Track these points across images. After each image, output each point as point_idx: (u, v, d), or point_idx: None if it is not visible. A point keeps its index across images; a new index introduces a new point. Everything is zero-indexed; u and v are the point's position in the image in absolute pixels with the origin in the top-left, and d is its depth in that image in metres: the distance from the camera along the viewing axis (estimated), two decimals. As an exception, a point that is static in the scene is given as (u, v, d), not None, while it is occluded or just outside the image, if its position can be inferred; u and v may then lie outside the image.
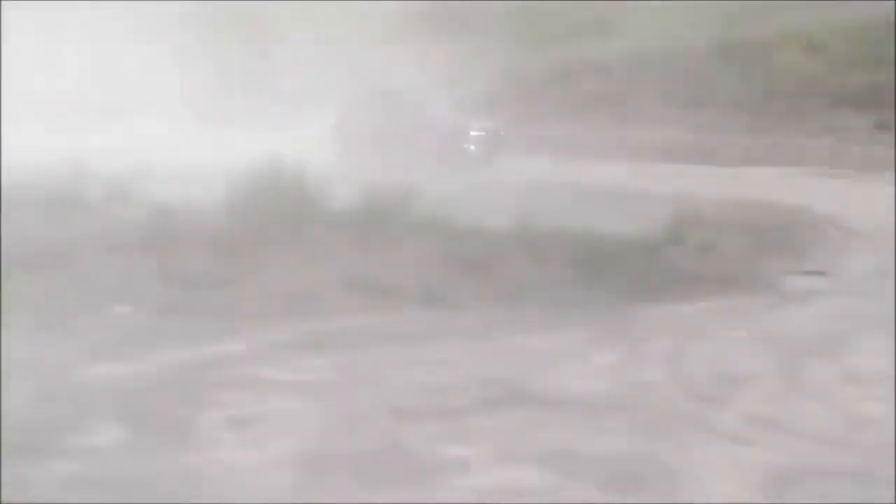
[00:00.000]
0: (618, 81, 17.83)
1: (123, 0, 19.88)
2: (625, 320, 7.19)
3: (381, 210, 8.06)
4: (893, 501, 4.07)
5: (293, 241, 7.71)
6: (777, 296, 8.24)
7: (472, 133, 15.85)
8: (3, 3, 19.33)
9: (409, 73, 17.11)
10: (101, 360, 5.68)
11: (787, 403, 5.60)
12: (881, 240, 10.51)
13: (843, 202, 12.60)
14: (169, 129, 17.72)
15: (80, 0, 19.28)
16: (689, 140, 17.76)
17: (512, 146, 16.43)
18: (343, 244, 7.74)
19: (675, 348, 6.49)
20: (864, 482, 4.41)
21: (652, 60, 20.02)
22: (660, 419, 5.29)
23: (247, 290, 7.15)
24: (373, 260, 7.66)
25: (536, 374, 5.89)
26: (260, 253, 7.54)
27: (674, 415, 5.37)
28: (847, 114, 17.43)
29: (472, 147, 15.69)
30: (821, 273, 9.07)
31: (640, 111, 18.78)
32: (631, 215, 9.91)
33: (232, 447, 4.47)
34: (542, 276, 7.76)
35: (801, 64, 18.44)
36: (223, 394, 5.18)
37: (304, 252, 7.63)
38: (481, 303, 7.37)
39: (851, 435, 5.15)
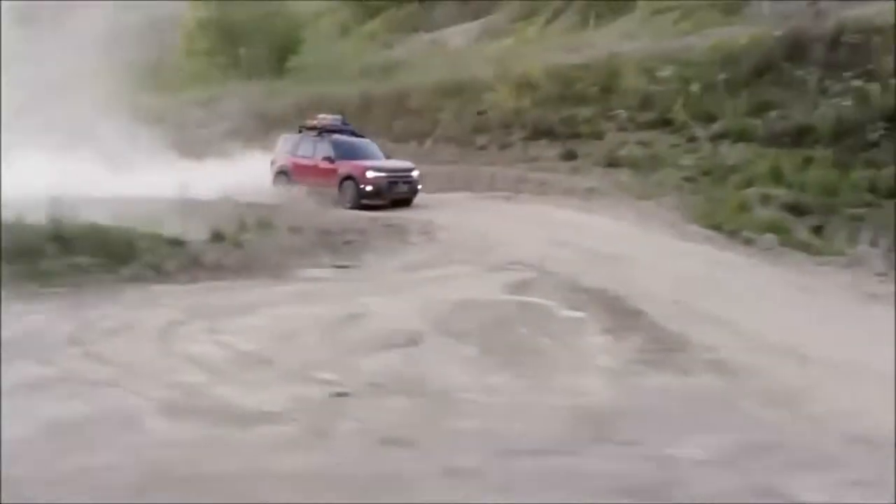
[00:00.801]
0: (348, 117, 19.68)
1: None
2: (113, 297, 8.88)
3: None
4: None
5: None
6: (284, 281, 10.04)
7: (370, 174, 16.60)
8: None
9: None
10: None
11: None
12: (454, 246, 12.41)
13: (471, 217, 14.63)
14: None
15: None
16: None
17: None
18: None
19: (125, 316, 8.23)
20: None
21: (380, 98, 22.15)
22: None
23: None
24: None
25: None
26: None
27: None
28: (542, 145, 19.58)
29: (370, 188, 16.56)
30: (346, 266, 10.88)
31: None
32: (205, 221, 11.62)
33: None
34: (71, 263, 9.44)
35: (510, 101, 20.61)
36: None
37: None
38: (10, 285, 8.96)
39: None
